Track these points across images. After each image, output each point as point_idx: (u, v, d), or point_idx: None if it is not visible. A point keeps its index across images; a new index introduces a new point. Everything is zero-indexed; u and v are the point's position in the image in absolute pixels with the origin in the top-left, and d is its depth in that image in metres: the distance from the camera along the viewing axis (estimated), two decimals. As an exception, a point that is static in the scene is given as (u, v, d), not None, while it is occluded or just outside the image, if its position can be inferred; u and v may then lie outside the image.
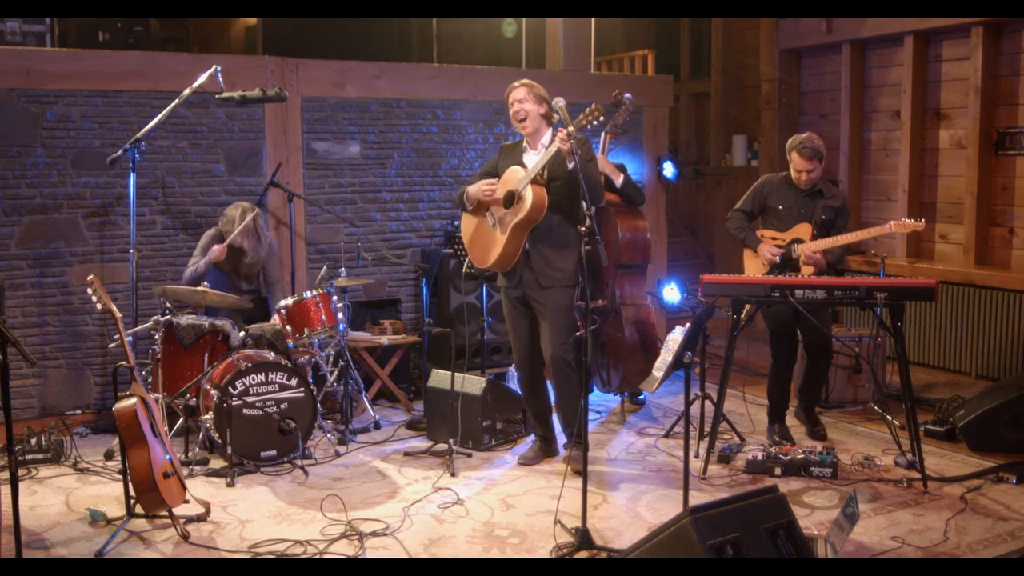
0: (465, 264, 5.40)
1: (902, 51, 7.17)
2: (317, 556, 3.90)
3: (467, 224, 5.06)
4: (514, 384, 6.34)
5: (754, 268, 5.44)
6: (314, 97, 6.45)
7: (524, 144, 4.94)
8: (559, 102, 4.36)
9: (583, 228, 4.00)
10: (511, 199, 4.77)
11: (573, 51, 7.63)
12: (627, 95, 5.83)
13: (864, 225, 7.43)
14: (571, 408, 4.94)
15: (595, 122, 4.43)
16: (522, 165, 4.82)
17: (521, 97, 4.80)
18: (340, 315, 5.50)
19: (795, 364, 5.46)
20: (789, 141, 5.34)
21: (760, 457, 4.87)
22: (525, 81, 4.87)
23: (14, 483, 3.39)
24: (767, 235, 5.40)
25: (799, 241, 5.27)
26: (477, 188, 4.89)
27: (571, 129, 4.34)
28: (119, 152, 5.25)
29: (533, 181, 4.68)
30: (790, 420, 5.54)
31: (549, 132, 4.84)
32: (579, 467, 4.58)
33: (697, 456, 5.02)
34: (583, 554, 3.87)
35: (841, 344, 5.98)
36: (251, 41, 9.48)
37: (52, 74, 5.72)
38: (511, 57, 9.08)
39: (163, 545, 4.04)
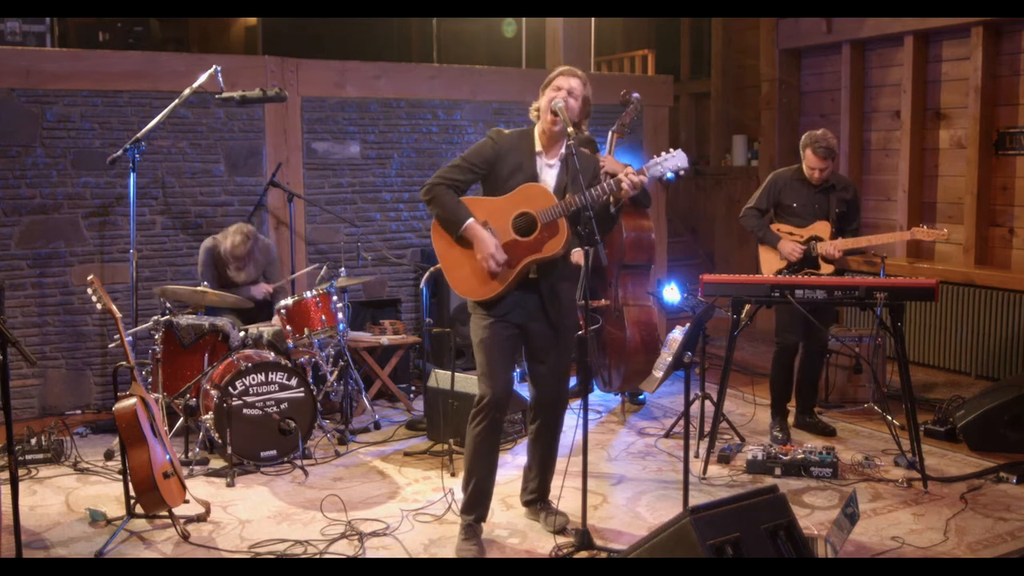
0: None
1: (902, 51, 7.17)
2: (317, 556, 3.90)
3: (450, 238, 3.93)
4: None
5: (771, 264, 5.44)
6: (314, 97, 6.46)
7: (538, 146, 3.95)
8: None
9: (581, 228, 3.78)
10: (530, 226, 3.83)
11: (573, 51, 7.63)
12: (635, 94, 5.79)
13: (865, 226, 7.45)
14: (555, 458, 4.29)
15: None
16: (535, 178, 3.90)
17: (575, 90, 3.86)
18: (340, 315, 5.50)
19: (797, 354, 5.46)
20: (804, 137, 5.35)
21: (760, 457, 4.86)
22: (581, 74, 3.94)
23: (14, 483, 3.38)
24: (784, 231, 5.43)
25: (817, 238, 5.30)
26: (482, 247, 3.81)
27: (644, 178, 3.73)
28: (119, 152, 5.25)
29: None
30: (794, 432, 5.53)
31: (563, 141, 3.90)
32: (570, 531, 4.13)
33: (697, 456, 5.02)
34: (583, 554, 3.86)
35: (841, 344, 5.99)
36: (251, 41, 9.48)
37: (52, 74, 5.72)
38: (511, 57, 9.08)
39: (163, 545, 4.03)
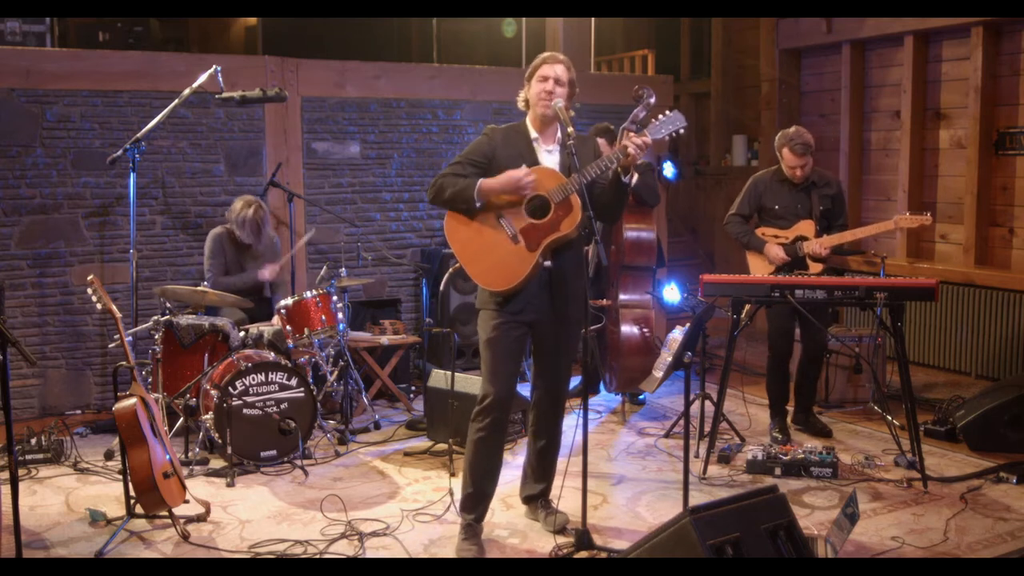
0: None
1: (902, 51, 7.17)
2: (317, 556, 3.90)
3: (466, 232, 3.88)
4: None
5: (760, 270, 5.43)
6: (314, 97, 6.46)
7: (533, 133, 3.95)
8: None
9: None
10: (544, 208, 3.83)
11: (573, 51, 7.63)
12: (647, 89, 5.80)
13: (864, 225, 7.45)
14: (556, 455, 4.28)
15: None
16: (536, 164, 3.88)
17: (561, 77, 3.86)
18: (340, 315, 5.51)
19: (791, 359, 5.47)
20: (779, 137, 5.35)
21: (760, 457, 4.86)
22: (563, 58, 3.93)
23: (14, 483, 3.39)
24: (769, 233, 5.41)
25: (803, 238, 5.29)
26: (505, 181, 3.76)
27: (647, 139, 3.76)
28: (119, 152, 5.26)
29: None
30: (794, 432, 5.52)
31: (559, 127, 3.95)
32: (570, 531, 4.11)
33: (697, 456, 5.02)
34: (583, 554, 3.86)
35: (841, 344, 5.99)
36: (251, 41, 9.48)
37: (52, 74, 5.72)
38: (511, 57, 9.07)
39: (163, 545, 4.04)
